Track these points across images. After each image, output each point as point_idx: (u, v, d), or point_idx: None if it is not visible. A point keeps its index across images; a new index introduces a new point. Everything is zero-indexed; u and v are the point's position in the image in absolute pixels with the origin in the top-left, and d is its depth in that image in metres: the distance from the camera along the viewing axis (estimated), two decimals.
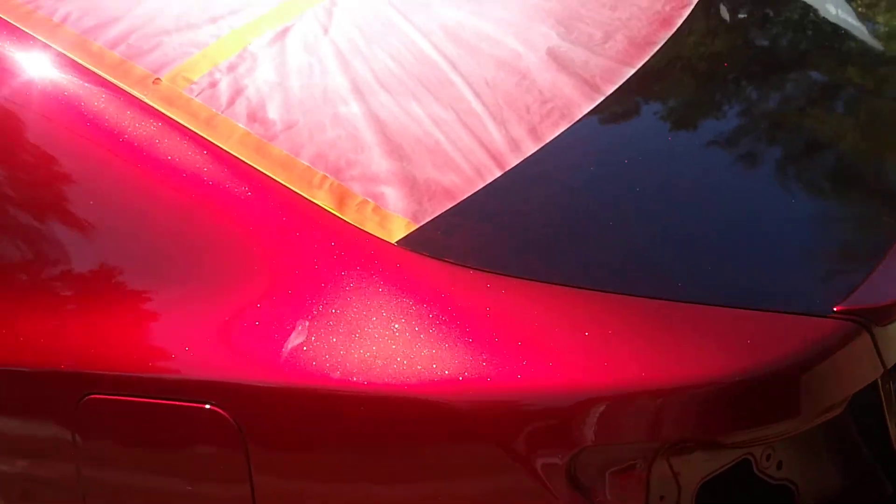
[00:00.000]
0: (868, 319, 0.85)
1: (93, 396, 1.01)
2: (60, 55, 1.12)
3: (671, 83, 1.31)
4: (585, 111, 1.15)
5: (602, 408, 0.81)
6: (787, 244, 0.98)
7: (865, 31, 1.53)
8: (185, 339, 0.97)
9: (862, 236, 1.03)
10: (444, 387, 0.84)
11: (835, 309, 0.85)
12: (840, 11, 1.53)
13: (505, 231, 0.99)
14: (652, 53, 1.28)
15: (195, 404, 0.95)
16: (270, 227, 0.98)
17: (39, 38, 1.14)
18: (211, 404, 0.94)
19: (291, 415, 0.92)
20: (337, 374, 0.88)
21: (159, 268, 1.01)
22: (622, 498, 0.83)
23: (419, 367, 0.85)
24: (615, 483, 0.83)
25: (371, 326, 0.89)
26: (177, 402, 0.97)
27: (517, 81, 1.19)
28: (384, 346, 0.88)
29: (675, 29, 1.36)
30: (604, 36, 1.32)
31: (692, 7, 1.43)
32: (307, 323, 0.91)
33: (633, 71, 1.24)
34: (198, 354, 0.96)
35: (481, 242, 0.97)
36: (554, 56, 1.25)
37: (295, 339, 0.91)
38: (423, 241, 0.95)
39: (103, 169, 1.05)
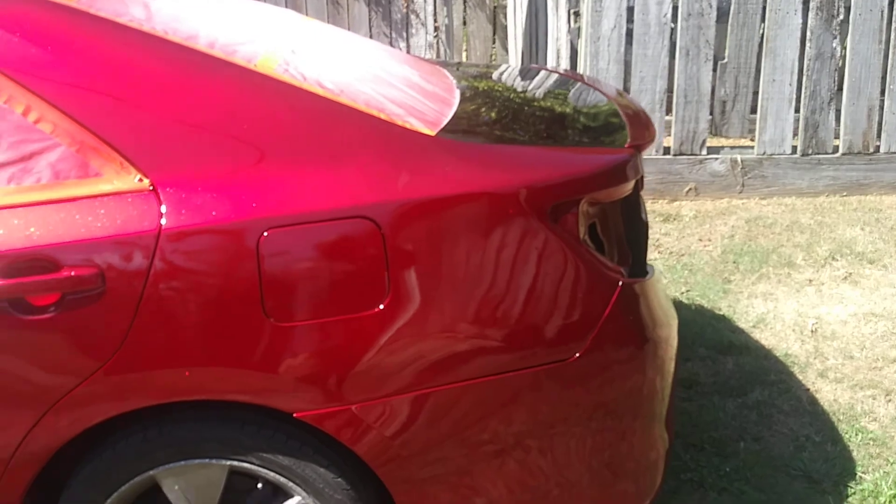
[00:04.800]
0: None
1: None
2: (193, 49, 1.83)
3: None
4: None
5: None
6: None
7: None
8: None
9: None
10: None
11: None
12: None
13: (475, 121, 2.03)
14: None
15: None
16: (356, 125, 1.84)
17: (171, 39, 1.83)
18: None
19: None
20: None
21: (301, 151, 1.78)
22: None
23: None
24: None
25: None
26: None
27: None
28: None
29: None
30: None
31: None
32: None
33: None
34: None
35: (475, 130, 1.99)
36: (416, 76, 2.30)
37: None
38: (446, 133, 1.91)
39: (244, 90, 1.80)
